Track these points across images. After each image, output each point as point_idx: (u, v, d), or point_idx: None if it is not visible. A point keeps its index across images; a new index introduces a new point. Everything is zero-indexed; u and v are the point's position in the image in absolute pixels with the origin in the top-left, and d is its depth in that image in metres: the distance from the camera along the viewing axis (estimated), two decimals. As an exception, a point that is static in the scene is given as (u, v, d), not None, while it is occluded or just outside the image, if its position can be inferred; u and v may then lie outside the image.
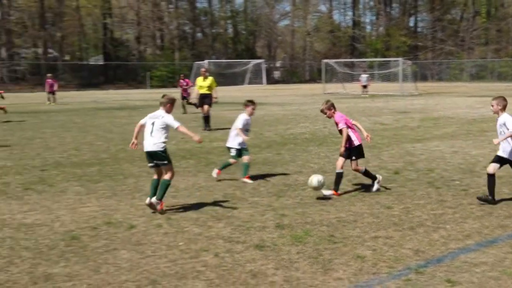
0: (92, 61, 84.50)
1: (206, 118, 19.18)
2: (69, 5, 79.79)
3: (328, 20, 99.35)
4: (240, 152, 10.39)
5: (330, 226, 7.31)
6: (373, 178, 9.40)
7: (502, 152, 8.27)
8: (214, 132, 18.49)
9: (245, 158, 10.35)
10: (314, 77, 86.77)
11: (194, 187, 9.90)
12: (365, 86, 44.90)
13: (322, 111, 9.26)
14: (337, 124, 9.14)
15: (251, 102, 10.55)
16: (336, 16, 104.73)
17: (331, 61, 58.16)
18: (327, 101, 9.26)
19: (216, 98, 19.50)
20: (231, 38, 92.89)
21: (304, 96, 44.71)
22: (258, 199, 8.87)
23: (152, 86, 68.03)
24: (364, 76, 46.36)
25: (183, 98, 27.57)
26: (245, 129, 10.40)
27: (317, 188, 8.70)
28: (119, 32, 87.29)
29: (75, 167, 12.03)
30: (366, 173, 9.36)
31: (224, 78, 67.86)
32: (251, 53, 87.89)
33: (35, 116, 26.97)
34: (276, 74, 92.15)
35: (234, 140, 10.39)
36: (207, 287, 5.39)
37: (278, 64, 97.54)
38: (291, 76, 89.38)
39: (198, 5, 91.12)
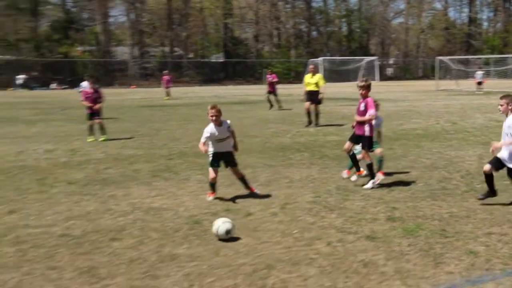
0: (213, 59, 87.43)
1: (316, 115, 19.26)
2: (194, 6, 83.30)
3: (443, 17, 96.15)
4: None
5: (442, 221, 7.27)
6: (372, 175, 9.19)
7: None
8: (328, 127, 18.65)
9: (378, 151, 9.87)
10: (427, 74, 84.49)
11: (308, 179, 10.13)
12: (480, 83, 43.01)
13: (362, 86, 9.16)
14: (365, 105, 9.08)
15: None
16: (451, 13, 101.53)
17: (445, 58, 56.31)
18: (368, 79, 9.24)
19: (322, 93, 19.37)
20: (345, 36, 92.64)
21: (416, 92, 43.53)
22: (370, 192, 8.95)
23: (269, 83, 69.10)
24: (479, 73, 44.37)
25: (269, 92, 27.74)
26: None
27: (222, 236, 6.68)
28: (239, 31, 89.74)
29: (197, 157, 12.56)
30: (370, 167, 9.17)
31: (338, 74, 67.96)
32: (364, 51, 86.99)
33: (162, 109, 28.54)
34: (389, 70, 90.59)
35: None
36: (319, 274, 5.55)
37: (391, 61, 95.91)
38: (404, 72, 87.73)
39: (314, 4, 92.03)
